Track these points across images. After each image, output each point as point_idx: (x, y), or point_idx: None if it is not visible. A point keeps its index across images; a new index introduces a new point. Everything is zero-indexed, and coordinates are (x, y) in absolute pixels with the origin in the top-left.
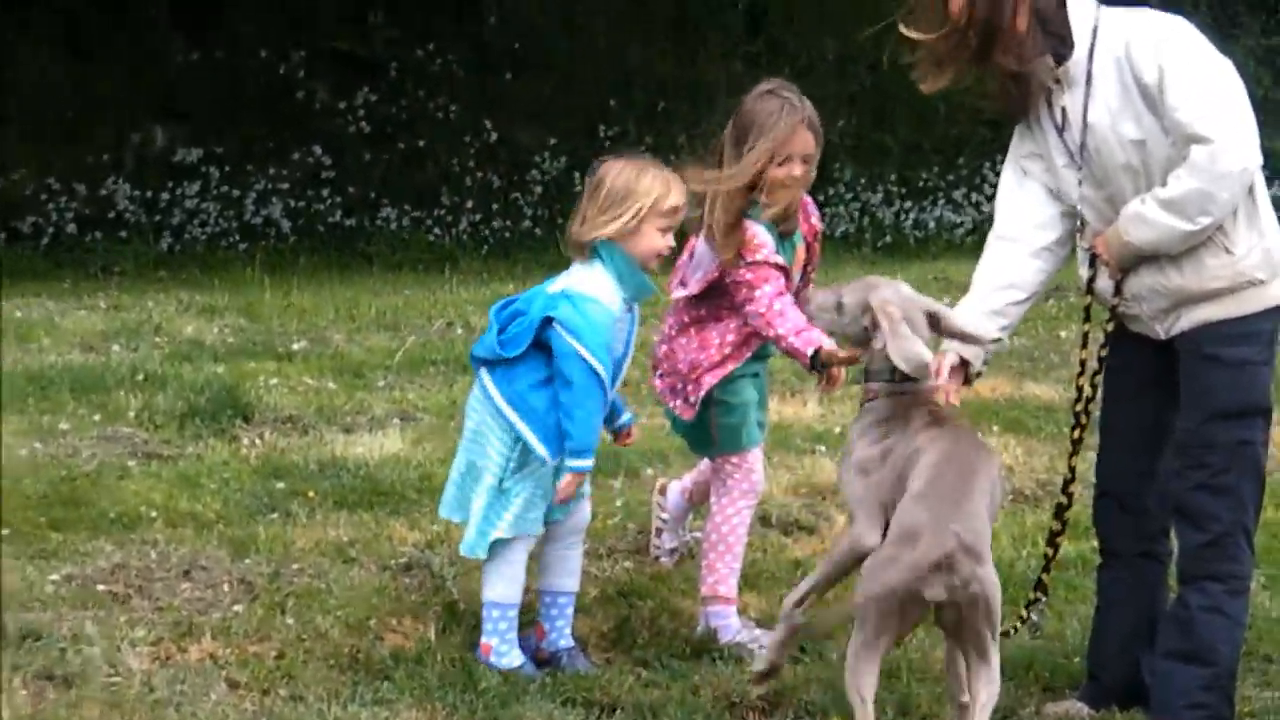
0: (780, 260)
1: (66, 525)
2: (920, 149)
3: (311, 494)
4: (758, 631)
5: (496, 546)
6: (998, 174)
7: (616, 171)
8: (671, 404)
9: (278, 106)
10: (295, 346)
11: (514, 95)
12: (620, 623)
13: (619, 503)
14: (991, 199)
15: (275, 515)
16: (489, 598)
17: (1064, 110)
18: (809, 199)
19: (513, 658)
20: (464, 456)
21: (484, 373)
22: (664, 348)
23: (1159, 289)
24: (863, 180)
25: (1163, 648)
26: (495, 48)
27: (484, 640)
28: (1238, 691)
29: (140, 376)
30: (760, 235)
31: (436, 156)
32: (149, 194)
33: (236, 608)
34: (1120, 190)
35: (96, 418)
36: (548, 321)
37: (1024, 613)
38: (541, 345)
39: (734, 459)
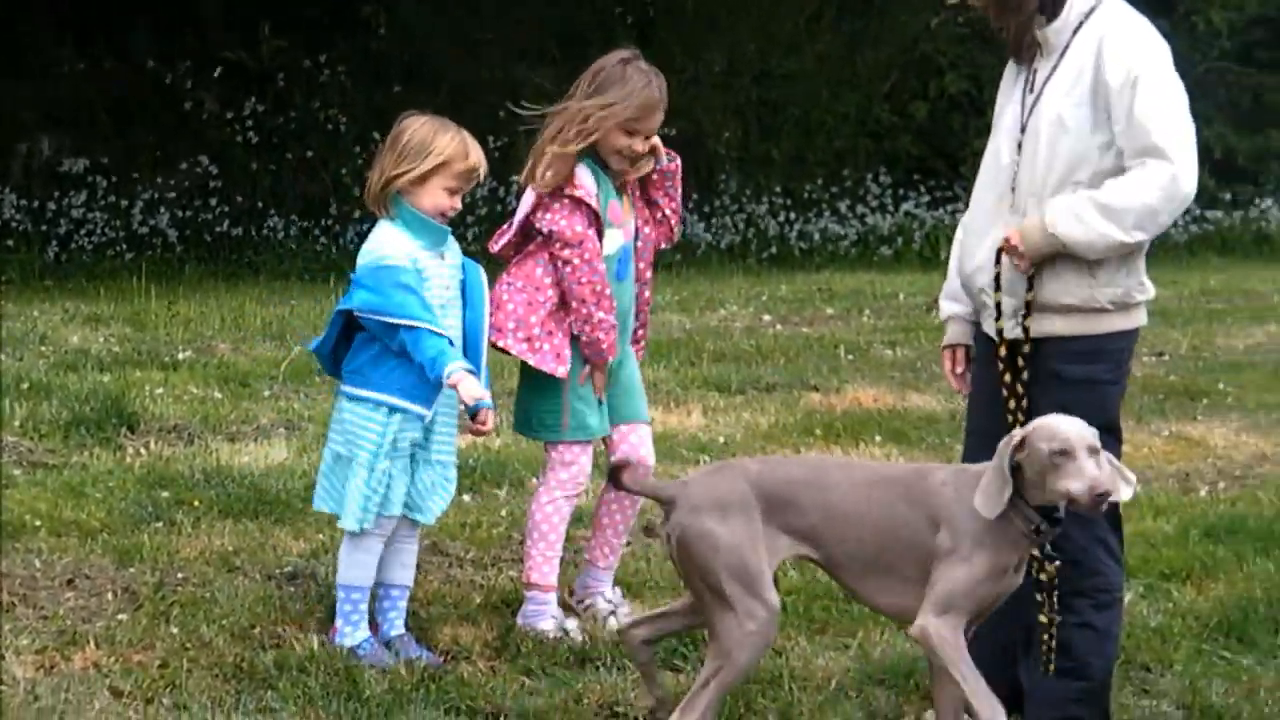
0: (593, 203)
1: None
2: (805, 161)
3: (196, 503)
4: (571, 624)
5: (354, 535)
6: (881, 186)
7: (417, 126)
8: (538, 359)
9: (165, 116)
10: (181, 356)
11: (403, 106)
12: (504, 632)
13: (504, 512)
14: (875, 211)
15: (160, 524)
16: (341, 581)
17: (1035, 73)
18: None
19: (355, 637)
20: (331, 449)
21: (341, 387)
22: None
23: (1014, 287)
24: (748, 192)
25: (1035, 662)
26: (385, 60)
27: (336, 621)
28: (1116, 700)
29: (25, 385)
30: (579, 176)
31: (325, 166)
32: (35, 203)
33: (121, 616)
34: (1024, 164)
35: None
36: (350, 315)
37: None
38: (362, 327)
39: (573, 449)
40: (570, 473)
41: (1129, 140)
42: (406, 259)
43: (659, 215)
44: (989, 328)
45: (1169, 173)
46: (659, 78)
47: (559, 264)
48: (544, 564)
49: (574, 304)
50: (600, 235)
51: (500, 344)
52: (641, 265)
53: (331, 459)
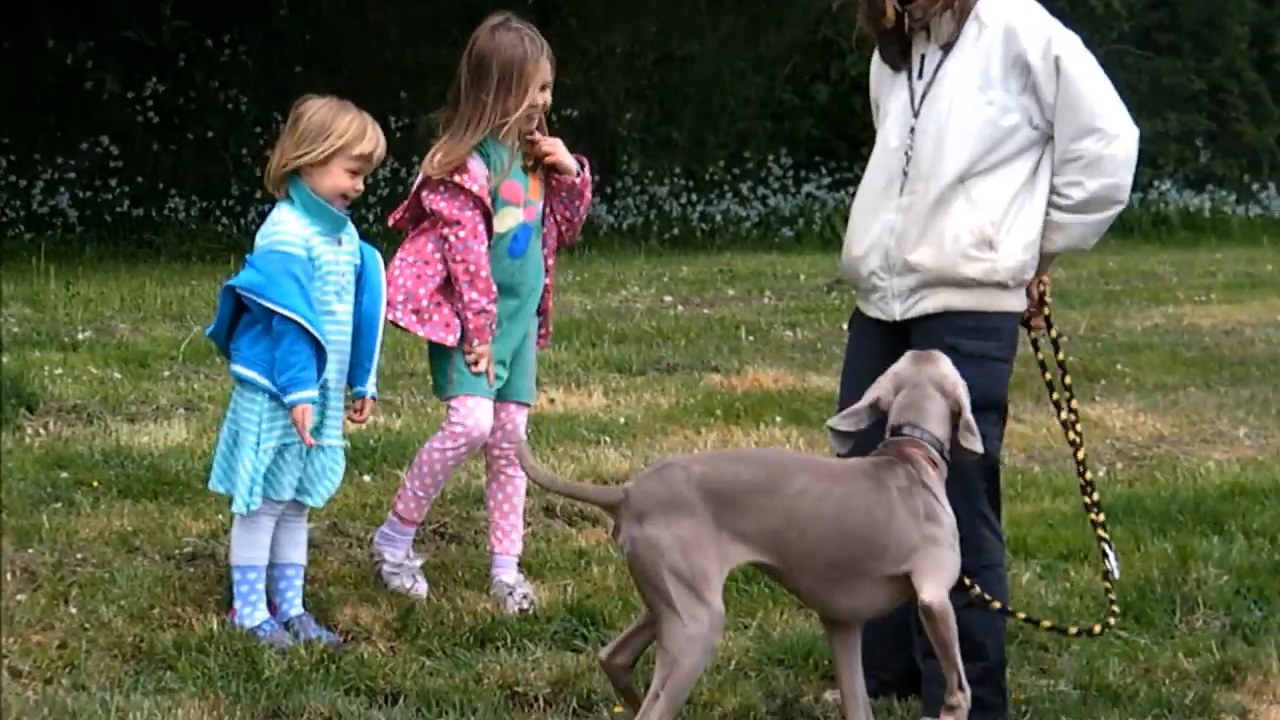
0: (477, 188)
1: None
2: (706, 143)
3: (96, 483)
4: (419, 584)
5: (243, 516)
6: (782, 168)
7: (317, 108)
8: (424, 330)
9: (65, 96)
10: (80, 336)
11: (305, 87)
12: (404, 612)
13: None
14: (776, 192)
15: (59, 505)
16: (236, 562)
17: (923, 58)
18: None
19: (255, 618)
20: (229, 429)
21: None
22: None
23: (912, 265)
24: (650, 173)
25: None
26: (286, 40)
27: (234, 604)
28: (1014, 680)
29: None
30: (469, 164)
31: (226, 147)
32: None
33: (19, 597)
34: (922, 147)
35: None
36: (235, 291)
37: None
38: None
39: (466, 402)
40: (464, 426)
41: (1068, 117)
42: (302, 246)
43: (552, 219)
44: (874, 310)
45: (1115, 144)
46: (532, 31)
47: (442, 240)
48: (411, 499)
49: (454, 280)
50: (487, 217)
51: (390, 318)
52: (545, 252)
53: (231, 439)
